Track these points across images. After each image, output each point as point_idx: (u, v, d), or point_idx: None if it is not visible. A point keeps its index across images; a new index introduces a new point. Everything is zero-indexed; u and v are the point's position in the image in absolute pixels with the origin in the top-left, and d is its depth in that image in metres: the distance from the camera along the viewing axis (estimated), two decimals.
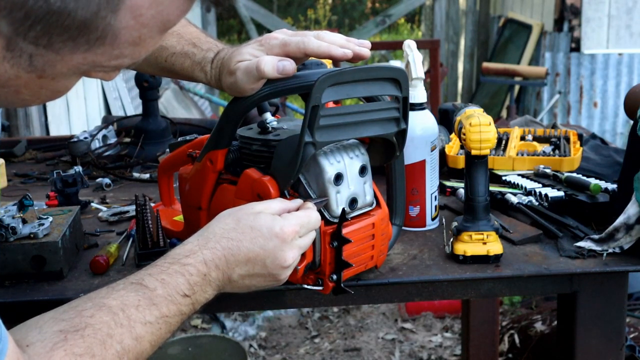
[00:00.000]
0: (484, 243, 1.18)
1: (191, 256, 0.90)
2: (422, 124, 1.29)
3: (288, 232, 0.94)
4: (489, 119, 1.18)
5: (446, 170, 1.58)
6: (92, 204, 1.52)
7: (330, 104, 1.02)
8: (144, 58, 1.17)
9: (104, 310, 0.81)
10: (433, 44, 5.11)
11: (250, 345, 3.07)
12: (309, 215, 0.97)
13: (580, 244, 1.21)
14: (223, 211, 0.98)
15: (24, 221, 1.16)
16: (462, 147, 1.57)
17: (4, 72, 0.68)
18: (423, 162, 1.30)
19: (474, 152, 1.17)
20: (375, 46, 4.97)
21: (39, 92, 0.73)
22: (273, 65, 1.00)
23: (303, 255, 1.00)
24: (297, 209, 0.99)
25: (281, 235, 0.93)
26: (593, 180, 1.37)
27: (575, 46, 5.29)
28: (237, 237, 0.93)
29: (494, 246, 1.18)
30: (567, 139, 1.70)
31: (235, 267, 0.92)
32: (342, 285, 1.03)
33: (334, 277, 1.02)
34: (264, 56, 1.01)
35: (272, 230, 0.93)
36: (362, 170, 1.06)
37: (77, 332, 0.78)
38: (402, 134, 1.07)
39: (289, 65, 1.01)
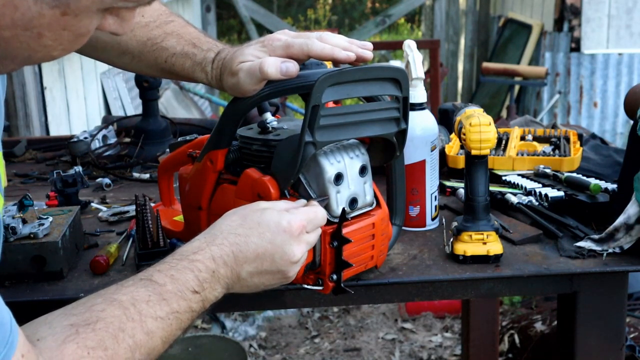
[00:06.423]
0: (484, 243, 1.18)
1: (199, 253, 0.90)
2: (422, 124, 1.29)
3: (295, 226, 0.93)
4: (489, 119, 1.18)
5: (446, 170, 1.58)
6: (92, 204, 1.52)
7: (331, 104, 1.02)
8: (144, 60, 1.18)
9: (115, 304, 0.81)
10: (433, 44, 5.11)
11: (250, 345, 3.07)
12: (316, 212, 0.97)
13: (580, 244, 1.21)
14: (228, 211, 0.97)
15: (24, 221, 1.16)
16: (462, 147, 1.57)
17: (27, 9, 0.66)
18: (423, 162, 1.30)
19: (474, 152, 1.17)
20: (375, 46, 4.95)
21: (61, 35, 0.70)
22: (276, 66, 1.00)
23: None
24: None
25: (289, 230, 0.93)
26: (593, 180, 1.37)
27: (575, 46, 5.28)
28: (244, 233, 0.92)
29: (494, 246, 1.18)
30: (567, 139, 1.70)
31: (243, 264, 0.92)
32: (342, 285, 1.03)
33: (334, 277, 1.02)
34: (267, 57, 1.01)
35: (280, 225, 0.93)
36: (362, 170, 1.06)
37: (89, 325, 0.77)
38: (402, 134, 1.07)
39: (292, 67, 1.01)
